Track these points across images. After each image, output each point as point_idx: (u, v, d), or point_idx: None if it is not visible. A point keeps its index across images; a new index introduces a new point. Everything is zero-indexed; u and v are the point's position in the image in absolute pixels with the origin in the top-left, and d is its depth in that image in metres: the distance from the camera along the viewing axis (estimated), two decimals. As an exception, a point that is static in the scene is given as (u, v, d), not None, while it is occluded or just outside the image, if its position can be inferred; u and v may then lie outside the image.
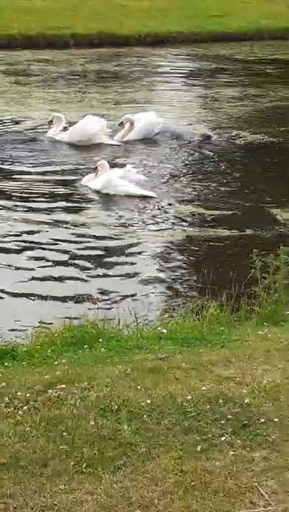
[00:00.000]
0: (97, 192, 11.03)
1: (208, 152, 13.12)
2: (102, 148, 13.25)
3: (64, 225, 9.74)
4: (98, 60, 21.13)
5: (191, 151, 13.13)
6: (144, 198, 10.80)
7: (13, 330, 7.02)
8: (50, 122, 13.34)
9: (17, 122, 13.95)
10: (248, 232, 9.62)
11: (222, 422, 4.59)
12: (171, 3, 27.41)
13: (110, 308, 7.56)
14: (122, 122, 13.54)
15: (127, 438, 4.42)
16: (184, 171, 12.10)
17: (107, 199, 10.84)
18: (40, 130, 13.77)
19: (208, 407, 4.74)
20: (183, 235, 9.53)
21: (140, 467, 4.17)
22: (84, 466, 4.16)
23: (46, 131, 13.36)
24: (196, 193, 11.12)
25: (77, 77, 18.99)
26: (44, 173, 11.72)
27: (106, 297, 7.92)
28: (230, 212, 10.28)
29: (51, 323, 6.98)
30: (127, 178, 11.16)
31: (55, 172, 11.83)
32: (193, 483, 4.02)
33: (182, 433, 4.48)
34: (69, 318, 7.05)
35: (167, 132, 13.99)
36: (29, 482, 4.03)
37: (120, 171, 11.30)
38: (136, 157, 12.71)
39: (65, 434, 4.45)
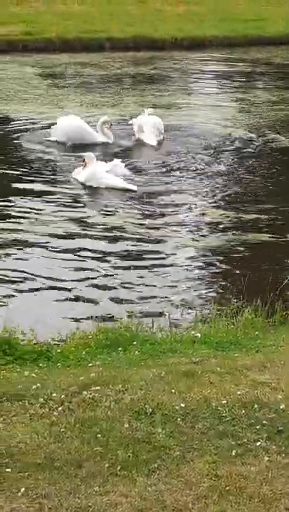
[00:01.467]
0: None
1: (245, 156, 13.07)
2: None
3: (96, 226, 9.74)
4: (134, 64, 21.19)
5: (228, 155, 13.09)
6: (149, 194, 10.83)
7: (47, 331, 7.03)
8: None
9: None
10: (286, 236, 9.55)
11: (257, 427, 4.56)
12: (206, 8, 27.41)
13: (144, 311, 7.56)
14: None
15: (161, 441, 4.42)
16: (221, 174, 12.05)
17: (136, 196, 10.85)
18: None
19: (243, 411, 4.72)
20: (218, 239, 9.48)
21: (174, 471, 4.15)
22: (118, 468, 4.16)
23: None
24: (233, 196, 11.08)
25: (114, 80, 19.05)
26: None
27: (139, 300, 7.91)
28: (266, 217, 10.22)
29: (85, 325, 6.99)
30: (113, 172, 11.30)
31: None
32: (227, 488, 4.00)
33: (217, 437, 4.46)
34: (103, 320, 7.08)
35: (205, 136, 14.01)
36: (64, 483, 4.04)
37: (108, 164, 11.43)
38: (175, 160, 12.68)
39: (99, 435, 4.46)
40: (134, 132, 13.64)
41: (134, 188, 11.15)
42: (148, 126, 13.49)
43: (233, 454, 4.30)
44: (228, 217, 10.21)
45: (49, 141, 13.15)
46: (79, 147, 12.80)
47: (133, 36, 23.09)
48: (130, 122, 13.89)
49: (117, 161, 11.60)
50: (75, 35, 22.51)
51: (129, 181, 11.41)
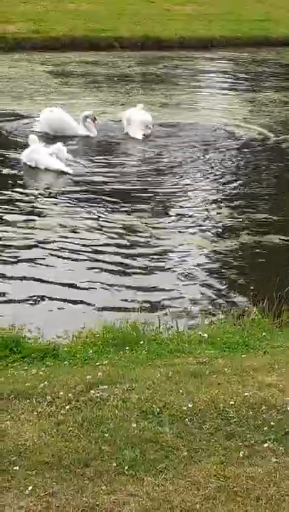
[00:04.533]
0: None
1: (254, 156, 13.06)
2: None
3: (116, 229, 9.72)
4: (143, 63, 21.18)
5: (236, 154, 13.08)
6: (154, 193, 10.83)
7: (54, 330, 7.02)
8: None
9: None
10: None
11: (264, 428, 4.55)
12: (215, 8, 27.39)
13: (151, 311, 7.55)
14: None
15: (168, 441, 4.41)
16: (229, 174, 12.04)
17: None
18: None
19: (250, 413, 4.72)
20: (226, 240, 9.47)
21: (182, 471, 4.15)
22: (126, 467, 4.16)
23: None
24: (240, 196, 11.07)
25: (123, 79, 19.05)
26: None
27: (146, 300, 7.90)
28: (275, 217, 10.20)
29: (91, 324, 6.97)
30: (56, 154, 11.86)
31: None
32: (235, 488, 3.99)
33: (224, 438, 4.46)
34: (109, 318, 7.06)
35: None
36: (71, 482, 4.04)
37: (51, 147, 11.98)
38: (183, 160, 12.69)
39: (106, 435, 4.46)
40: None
41: (70, 171, 11.63)
42: (135, 120, 13.70)
43: (241, 455, 4.29)
44: (235, 217, 10.20)
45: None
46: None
47: (142, 36, 23.08)
48: (119, 115, 14.09)
49: (59, 145, 12.12)
50: (83, 34, 22.52)
51: (70, 165, 11.86)
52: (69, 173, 11.59)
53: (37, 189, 11.07)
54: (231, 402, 4.81)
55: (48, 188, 11.10)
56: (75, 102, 15.98)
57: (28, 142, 12.00)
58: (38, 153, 11.77)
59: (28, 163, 11.83)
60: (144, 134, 13.68)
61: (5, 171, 11.78)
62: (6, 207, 10.21)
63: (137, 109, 13.87)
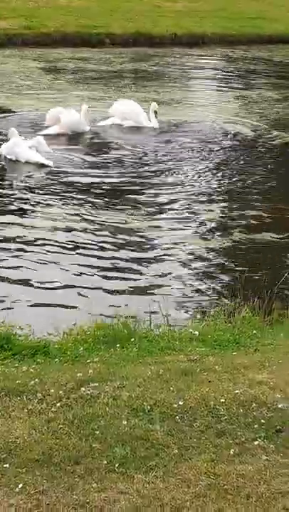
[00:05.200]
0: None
1: (245, 153, 13.07)
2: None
3: (106, 226, 9.70)
4: (135, 59, 21.16)
5: (228, 152, 13.08)
6: (143, 190, 10.83)
7: (44, 327, 7.01)
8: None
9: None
10: (284, 235, 9.55)
11: (255, 426, 4.56)
12: (206, 5, 27.36)
13: (141, 308, 7.54)
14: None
15: (159, 439, 4.42)
16: (220, 171, 12.05)
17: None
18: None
19: (241, 410, 4.72)
20: (216, 237, 9.49)
21: (172, 468, 4.16)
22: (116, 465, 4.16)
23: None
24: (232, 193, 11.09)
25: (115, 75, 19.03)
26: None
27: (137, 297, 7.90)
28: (265, 215, 10.23)
29: (82, 321, 6.96)
30: (36, 147, 11.93)
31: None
32: (225, 486, 4.00)
33: (215, 436, 4.46)
34: (100, 316, 7.06)
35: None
36: (62, 479, 4.04)
37: (31, 140, 12.09)
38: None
39: (97, 432, 4.46)
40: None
41: (51, 163, 11.72)
42: (119, 111, 14.08)
43: (231, 452, 4.30)
44: (226, 215, 10.22)
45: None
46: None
47: (133, 32, 23.05)
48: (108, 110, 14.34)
49: (40, 138, 12.20)
50: (74, 30, 22.47)
51: (49, 158, 11.88)
52: (49, 166, 11.64)
53: (26, 184, 11.06)
54: (222, 400, 4.82)
55: (38, 183, 11.09)
56: (67, 98, 15.95)
57: (8, 136, 12.06)
58: (18, 147, 11.82)
59: (9, 157, 11.87)
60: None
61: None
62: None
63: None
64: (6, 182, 11.22)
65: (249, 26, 25.04)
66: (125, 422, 4.56)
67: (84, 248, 8.95)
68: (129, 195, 10.82)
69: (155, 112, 13.92)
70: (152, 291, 7.99)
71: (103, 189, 11.03)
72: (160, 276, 8.40)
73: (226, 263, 8.82)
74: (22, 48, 21.31)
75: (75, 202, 10.44)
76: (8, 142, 11.98)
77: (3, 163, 11.95)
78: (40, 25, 22.59)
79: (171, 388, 4.99)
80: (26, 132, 13.04)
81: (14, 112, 14.91)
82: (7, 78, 17.79)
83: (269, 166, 12.50)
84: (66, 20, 23.24)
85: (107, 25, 23.25)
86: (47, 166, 11.66)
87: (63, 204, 10.33)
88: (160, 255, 8.92)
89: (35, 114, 14.74)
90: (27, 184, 11.06)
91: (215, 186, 11.36)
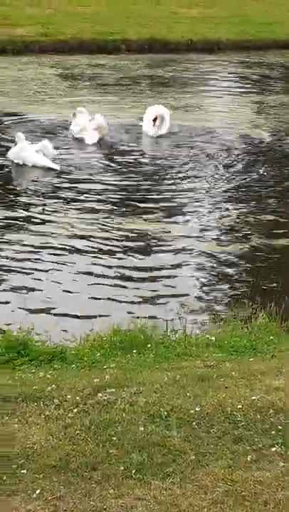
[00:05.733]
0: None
1: (262, 158, 13.05)
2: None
3: (122, 232, 9.69)
4: (151, 66, 21.18)
5: (244, 157, 13.06)
6: (162, 195, 10.84)
7: (61, 332, 7.04)
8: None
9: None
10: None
11: (272, 432, 4.55)
12: (221, 11, 27.32)
13: (158, 314, 7.54)
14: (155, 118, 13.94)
15: (176, 445, 4.41)
16: (237, 177, 12.02)
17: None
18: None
19: (258, 417, 4.71)
20: (233, 242, 9.46)
21: (189, 475, 4.15)
22: (133, 471, 4.16)
23: None
24: (248, 199, 11.05)
25: (131, 82, 19.07)
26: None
27: (154, 303, 7.90)
28: (283, 220, 10.18)
29: (99, 327, 6.97)
30: (42, 151, 12.01)
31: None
32: (243, 493, 3.99)
33: (232, 442, 4.45)
34: (117, 321, 7.06)
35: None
36: (79, 485, 4.04)
37: (37, 144, 12.13)
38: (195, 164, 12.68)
39: (114, 438, 4.46)
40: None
41: (57, 167, 11.79)
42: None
43: (249, 459, 4.29)
44: (243, 220, 10.19)
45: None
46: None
47: (149, 38, 23.08)
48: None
49: (46, 142, 12.27)
50: (90, 37, 22.52)
51: (56, 161, 11.98)
52: (56, 170, 11.71)
53: (35, 188, 11.11)
54: (239, 406, 4.81)
55: (49, 188, 11.13)
56: (85, 105, 15.98)
57: (15, 140, 12.12)
58: (25, 151, 11.93)
59: (16, 161, 11.98)
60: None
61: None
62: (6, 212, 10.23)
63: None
64: (18, 187, 11.28)
65: (265, 32, 24.99)
66: (142, 428, 4.56)
67: (99, 254, 8.95)
68: (144, 201, 10.82)
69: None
70: (169, 297, 7.98)
71: (118, 194, 11.03)
72: (176, 281, 8.39)
73: (243, 268, 8.79)
74: (39, 55, 21.40)
75: (87, 207, 10.44)
76: (15, 147, 12.07)
77: (11, 167, 12.03)
78: (56, 32, 22.66)
79: (188, 394, 4.99)
80: (42, 138, 13.13)
81: (31, 118, 14.95)
82: (25, 85, 17.86)
83: (286, 171, 12.46)
84: (82, 27, 23.31)
85: (122, 32, 23.29)
86: (54, 170, 11.74)
87: (77, 209, 10.34)
88: (176, 261, 8.90)
89: (51, 119, 14.77)
90: (37, 188, 11.08)
91: (231, 191, 11.34)
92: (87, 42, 22.27)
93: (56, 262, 8.69)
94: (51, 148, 12.23)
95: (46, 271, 8.47)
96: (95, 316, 7.50)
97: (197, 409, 4.78)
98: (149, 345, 6.13)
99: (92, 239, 9.38)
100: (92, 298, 7.94)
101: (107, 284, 8.26)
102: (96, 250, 9.05)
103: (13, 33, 22.09)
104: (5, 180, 11.48)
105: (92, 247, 9.13)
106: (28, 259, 8.74)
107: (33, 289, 8.04)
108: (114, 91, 17.85)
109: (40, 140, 12.47)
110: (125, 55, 22.18)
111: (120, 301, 7.87)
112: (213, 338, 6.33)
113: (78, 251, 9.03)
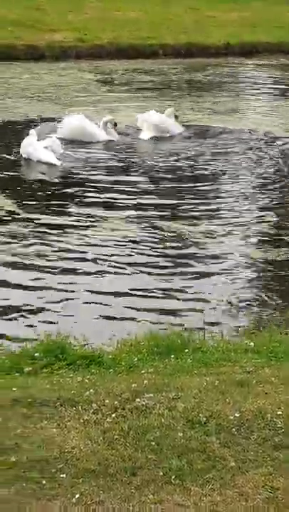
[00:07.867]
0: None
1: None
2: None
3: (158, 235, 9.67)
4: (188, 70, 21.18)
5: (284, 161, 12.95)
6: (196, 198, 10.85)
7: (99, 337, 7.03)
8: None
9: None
10: None
11: (313, 439, 4.48)
12: (259, 15, 27.23)
13: (195, 319, 7.50)
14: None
15: (215, 451, 4.37)
16: (274, 181, 11.93)
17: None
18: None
19: (299, 423, 4.65)
20: (272, 247, 9.37)
21: (229, 481, 4.11)
22: (173, 477, 4.13)
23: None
24: (286, 205, 10.95)
25: (170, 86, 19.09)
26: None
27: (191, 308, 7.86)
28: None
29: (135, 332, 6.94)
30: (50, 147, 12.33)
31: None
32: (284, 500, 3.94)
33: (272, 449, 4.40)
34: (154, 326, 7.04)
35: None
36: (118, 490, 4.02)
37: (46, 140, 12.48)
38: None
39: (153, 443, 4.44)
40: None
41: (58, 163, 12.06)
42: (148, 123, 14.05)
43: (289, 466, 4.23)
44: (280, 225, 10.10)
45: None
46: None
47: (186, 43, 23.08)
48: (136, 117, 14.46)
49: (54, 138, 12.61)
50: (127, 42, 22.60)
51: (60, 158, 12.24)
52: (57, 165, 11.97)
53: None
54: (279, 412, 4.75)
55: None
56: (123, 110, 16.05)
57: (28, 135, 12.50)
58: (31, 146, 12.27)
59: (24, 155, 12.39)
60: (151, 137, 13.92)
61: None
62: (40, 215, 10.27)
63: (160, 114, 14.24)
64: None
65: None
66: (181, 434, 4.53)
67: (134, 258, 8.93)
68: (181, 204, 10.79)
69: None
70: (206, 302, 7.93)
71: (151, 199, 11.02)
72: (214, 286, 8.34)
73: (281, 273, 8.70)
74: (76, 60, 21.52)
75: (127, 207, 10.45)
76: (23, 142, 12.45)
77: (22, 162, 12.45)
78: (93, 37, 22.77)
79: (227, 400, 4.94)
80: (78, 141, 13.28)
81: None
82: (64, 90, 17.97)
83: None
84: (119, 32, 23.40)
85: (159, 37, 23.32)
86: (55, 166, 12.00)
87: (116, 211, 10.35)
88: (214, 265, 8.84)
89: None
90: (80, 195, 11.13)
91: (269, 197, 11.25)
92: (125, 47, 22.35)
93: (96, 268, 8.67)
94: (59, 145, 12.53)
95: (83, 276, 8.46)
96: (132, 321, 7.48)
97: (236, 415, 4.74)
98: (186, 350, 6.10)
99: (128, 244, 9.37)
100: (129, 302, 7.92)
101: (143, 289, 8.23)
102: (132, 255, 9.03)
103: (51, 39, 22.27)
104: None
105: (129, 253, 9.10)
106: (63, 266, 8.73)
107: (69, 292, 8.04)
108: (154, 96, 17.86)
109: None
110: (162, 59, 22.21)
111: (156, 306, 7.83)
112: (252, 343, 6.27)
113: (119, 255, 9.00)
